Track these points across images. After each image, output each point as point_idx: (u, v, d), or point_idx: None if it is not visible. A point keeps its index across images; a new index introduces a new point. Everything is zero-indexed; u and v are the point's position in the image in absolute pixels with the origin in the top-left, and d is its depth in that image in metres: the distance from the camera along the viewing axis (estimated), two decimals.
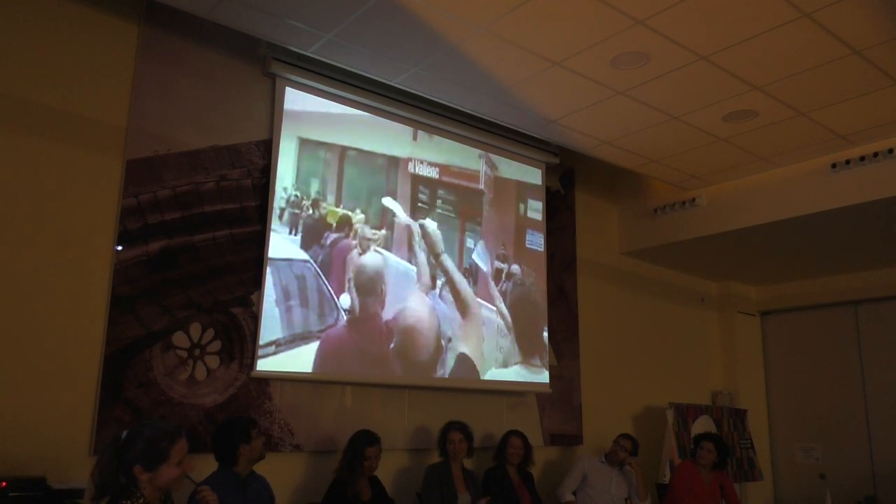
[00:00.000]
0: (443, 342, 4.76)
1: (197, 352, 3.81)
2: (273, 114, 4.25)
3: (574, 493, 4.83)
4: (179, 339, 3.76)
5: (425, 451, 4.62)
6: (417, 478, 4.37)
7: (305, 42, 3.87)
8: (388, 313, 4.52)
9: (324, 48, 3.92)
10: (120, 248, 3.62)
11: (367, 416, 4.38)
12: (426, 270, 4.77)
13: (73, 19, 3.64)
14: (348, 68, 4.18)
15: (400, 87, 4.33)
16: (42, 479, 3.01)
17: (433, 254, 4.86)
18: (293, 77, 4.31)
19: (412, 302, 4.65)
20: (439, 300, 4.81)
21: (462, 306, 4.96)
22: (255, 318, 4.00)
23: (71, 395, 3.39)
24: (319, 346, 4.17)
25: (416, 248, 4.74)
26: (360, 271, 4.44)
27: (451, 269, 4.94)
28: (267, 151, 4.20)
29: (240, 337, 3.97)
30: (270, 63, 4.21)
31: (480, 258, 5.09)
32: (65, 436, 3.34)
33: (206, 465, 3.18)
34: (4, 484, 2.90)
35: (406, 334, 4.58)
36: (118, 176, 3.68)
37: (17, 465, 3.11)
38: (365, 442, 3.81)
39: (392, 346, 4.50)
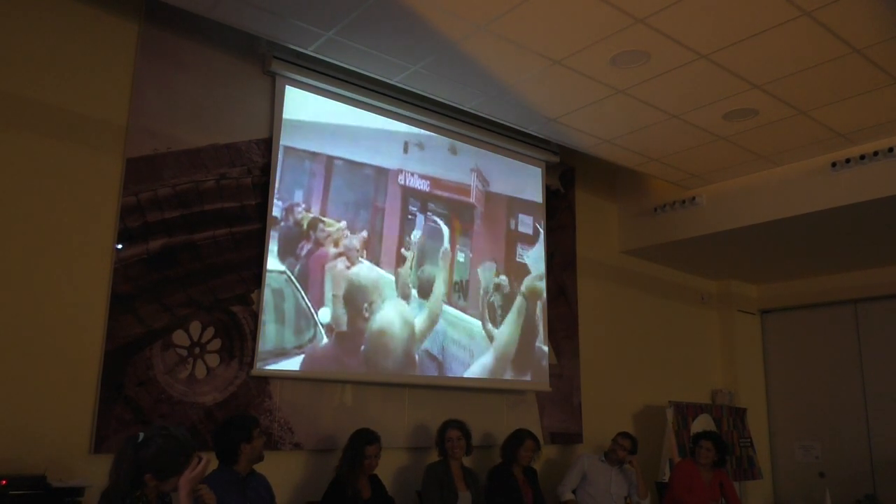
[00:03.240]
0: (415, 351, 4.65)
1: (197, 350, 3.81)
2: (273, 112, 4.25)
3: (574, 492, 4.83)
4: (179, 337, 3.76)
5: (425, 449, 4.62)
6: (417, 476, 4.37)
7: (305, 40, 3.87)
8: (373, 327, 4.44)
9: (324, 46, 3.92)
10: (120, 246, 3.62)
11: (367, 414, 4.39)
12: (413, 282, 4.70)
13: (74, 17, 3.64)
14: (348, 67, 4.17)
15: (400, 85, 4.33)
16: (42, 478, 3.01)
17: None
18: (293, 76, 4.30)
19: (396, 313, 4.58)
20: (431, 308, 4.79)
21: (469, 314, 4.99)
22: (255, 317, 4.00)
23: (71, 394, 3.39)
24: (303, 363, 4.09)
25: (409, 259, 4.69)
26: (349, 285, 4.35)
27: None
28: (267, 150, 4.20)
29: (240, 335, 3.97)
30: (270, 61, 4.21)
31: (471, 270, 5.06)
32: (65, 434, 3.34)
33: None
34: (4, 482, 2.90)
35: (379, 342, 4.47)
36: (118, 174, 3.68)
37: (18, 463, 3.11)
38: (365, 440, 3.82)
39: (363, 351, 4.39)
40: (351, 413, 4.34)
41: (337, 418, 4.28)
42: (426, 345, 4.71)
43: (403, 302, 4.63)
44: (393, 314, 4.57)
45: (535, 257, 5.53)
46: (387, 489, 4.06)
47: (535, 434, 4.64)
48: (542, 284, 5.52)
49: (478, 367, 4.97)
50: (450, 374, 4.81)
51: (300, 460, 4.13)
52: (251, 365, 3.95)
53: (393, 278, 4.60)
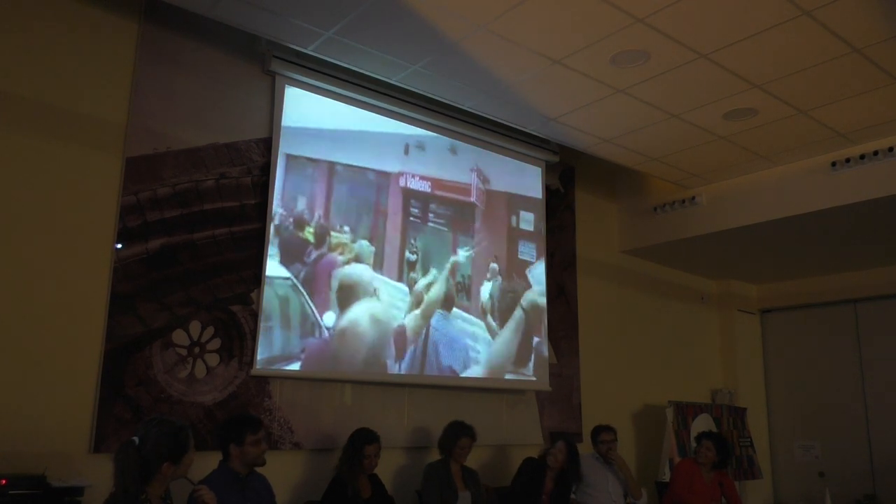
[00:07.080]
0: (419, 350, 4.67)
1: (197, 349, 3.81)
2: (273, 112, 4.25)
3: (574, 493, 4.83)
4: (179, 336, 3.76)
5: (425, 449, 4.62)
6: (417, 476, 4.37)
7: (305, 40, 3.87)
8: (376, 328, 4.43)
9: (324, 46, 3.92)
10: (120, 245, 3.62)
11: (367, 414, 4.39)
12: (418, 282, 4.71)
13: (73, 17, 3.64)
14: (348, 66, 4.18)
15: (400, 85, 4.33)
16: (42, 477, 3.01)
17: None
18: (293, 75, 4.30)
19: (400, 314, 4.59)
20: (436, 312, 4.80)
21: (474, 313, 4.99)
22: (255, 316, 4.00)
23: (71, 393, 3.39)
24: (304, 363, 4.12)
25: (413, 260, 4.69)
26: (344, 285, 4.34)
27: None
28: (267, 149, 4.20)
29: (239, 335, 3.97)
30: (270, 61, 4.21)
31: (473, 269, 5.05)
32: (65, 433, 3.34)
33: (205, 464, 3.17)
34: (4, 481, 2.90)
35: (382, 343, 4.47)
36: (118, 173, 3.68)
37: (17, 463, 3.11)
38: (364, 440, 3.81)
39: (366, 351, 4.42)
40: (351, 413, 4.34)
41: (337, 418, 4.28)
42: (429, 344, 4.70)
43: (407, 303, 4.63)
44: (397, 315, 4.57)
45: (536, 255, 5.53)
46: (387, 489, 4.06)
47: (569, 438, 4.61)
48: (543, 283, 5.52)
49: (479, 367, 4.97)
50: (451, 374, 4.81)
51: (300, 460, 4.13)
52: (251, 364, 3.95)
53: (397, 281, 4.61)
